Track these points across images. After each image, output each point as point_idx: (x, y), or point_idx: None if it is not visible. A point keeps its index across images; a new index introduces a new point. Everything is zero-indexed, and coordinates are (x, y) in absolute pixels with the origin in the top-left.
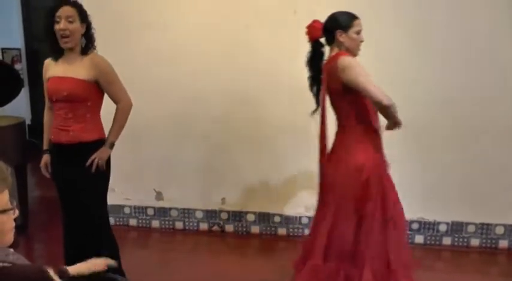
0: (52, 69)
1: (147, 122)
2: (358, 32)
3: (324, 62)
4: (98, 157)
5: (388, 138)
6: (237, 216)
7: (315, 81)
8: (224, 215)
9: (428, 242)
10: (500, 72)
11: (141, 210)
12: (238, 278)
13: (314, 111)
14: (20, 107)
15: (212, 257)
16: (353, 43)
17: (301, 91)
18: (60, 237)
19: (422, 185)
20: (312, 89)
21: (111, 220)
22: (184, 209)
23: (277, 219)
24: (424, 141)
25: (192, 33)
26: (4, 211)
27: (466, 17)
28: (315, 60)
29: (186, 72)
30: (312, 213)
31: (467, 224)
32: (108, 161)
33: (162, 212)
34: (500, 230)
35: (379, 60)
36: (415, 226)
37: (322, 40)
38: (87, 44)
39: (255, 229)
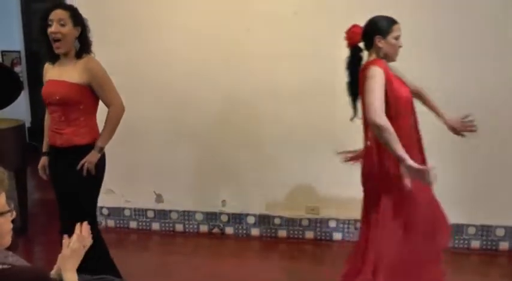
0: (50, 72)
1: (147, 124)
2: (397, 37)
3: (362, 67)
4: (87, 161)
5: None
6: (237, 218)
7: (353, 86)
8: (224, 218)
9: None
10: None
11: (141, 212)
12: (238, 280)
13: (352, 118)
14: (19, 109)
15: (212, 259)
16: (391, 49)
17: (301, 92)
18: (59, 239)
19: None
20: (349, 95)
21: (112, 223)
22: (184, 211)
23: (277, 221)
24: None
25: (192, 35)
26: (1, 214)
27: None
28: (353, 65)
29: (186, 74)
30: (311, 215)
31: (468, 226)
32: (99, 164)
33: (162, 214)
34: (500, 232)
35: None
36: None
37: (361, 44)
38: (81, 47)
39: (255, 231)
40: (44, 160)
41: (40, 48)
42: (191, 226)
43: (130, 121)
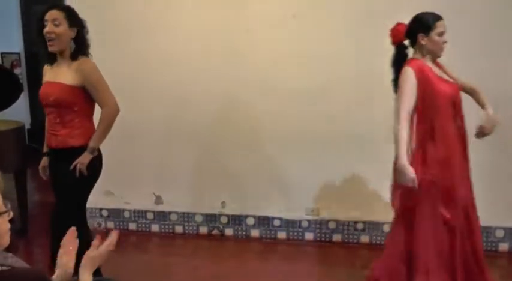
0: (47, 74)
1: (147, 126)
2: (441, 34)
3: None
4: (79, 162)
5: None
6: (237, 220)
7: (398, 84)
8: (224, 219)
9: None
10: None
11: (140, 214)
12: None
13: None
14: (19, 111)
15: (212, 261)
16: (435, 46)
17: (300, 93)
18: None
19: None
20: (394, 92)
21: (111, 224)
22: (184, 213)
23: (277, 223)
24: None
25: (191, 35)
26: None
27: None
28: (398, 63)
29: (185, 75)
30: (311, 216)
31: None
32: (94, 165)
33: (161, 216)
34: (500, 234)
35: None
36: None
37: (407, 42)
38: (77, 48)
39: (255, 233)
40: (44, 161)
41: (39, 49)
42: (191, 228)
43: (130, 122)
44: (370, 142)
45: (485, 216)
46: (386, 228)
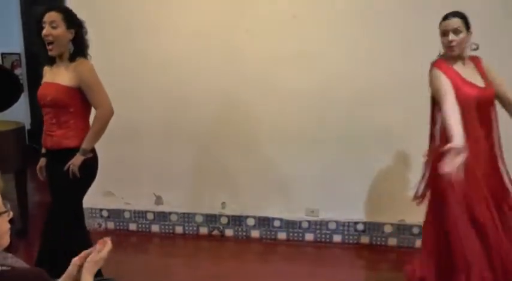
0: (47, 74)
1: (147, 126)
2: (443, 34)
3: None
4: (71, 163)
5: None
6: (237, 220)
7: None
8: (224, 220)
9: None
10: None
11: (140, 214)
12: None
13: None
14: (19, 111)
15: (212, 261)
16: (443, 46)
17: (300, 94)
18: (49, 240)
19: None
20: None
21: (111, 225)
22: (184, 213)
23: (277, 223)
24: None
25: (190, 36)
26: None
27: None
28: None
29: (185, 76)
30: (311, 217)
31: None
32: (88, 166)
33: (161, 216)
34: None
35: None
36: (415, 230)
37: None
38: (75, 50)
39: (255, 233)
40: (42, 161)
41: (39, 51)
42: (191, 228)
43: (130, 122)
44: (371, 142)
45: None
46: (387, 229)
